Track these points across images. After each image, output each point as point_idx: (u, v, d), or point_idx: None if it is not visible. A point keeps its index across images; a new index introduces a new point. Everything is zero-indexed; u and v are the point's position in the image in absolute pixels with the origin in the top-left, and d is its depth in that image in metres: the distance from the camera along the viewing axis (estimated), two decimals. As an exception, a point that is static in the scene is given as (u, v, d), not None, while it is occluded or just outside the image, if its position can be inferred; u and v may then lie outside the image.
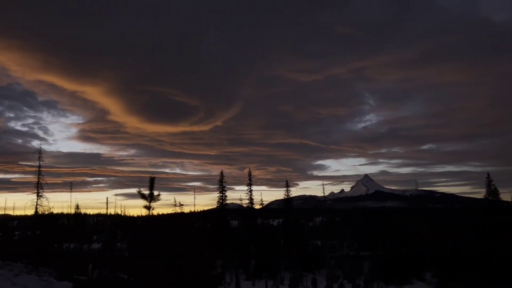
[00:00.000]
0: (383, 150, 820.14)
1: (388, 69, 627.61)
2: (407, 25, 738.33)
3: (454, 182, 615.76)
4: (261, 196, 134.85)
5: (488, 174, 41.91)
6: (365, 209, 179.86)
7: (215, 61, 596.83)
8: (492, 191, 41.41)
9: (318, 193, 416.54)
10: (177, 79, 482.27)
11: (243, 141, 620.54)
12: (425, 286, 32.74)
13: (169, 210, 49.35)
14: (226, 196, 47.38)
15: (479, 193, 43.05)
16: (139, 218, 63.47)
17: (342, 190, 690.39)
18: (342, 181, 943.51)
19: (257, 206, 51.42)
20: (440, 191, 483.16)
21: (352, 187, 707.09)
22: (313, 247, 55.90)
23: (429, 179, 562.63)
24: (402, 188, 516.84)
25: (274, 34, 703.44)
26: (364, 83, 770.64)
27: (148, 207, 8.15)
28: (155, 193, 8.14)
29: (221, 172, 48.02)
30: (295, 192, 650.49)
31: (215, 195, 47.29)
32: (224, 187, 47.42)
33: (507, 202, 48.99)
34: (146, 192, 8.02)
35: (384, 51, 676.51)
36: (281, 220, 68.21)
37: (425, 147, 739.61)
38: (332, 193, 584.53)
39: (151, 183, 8.10)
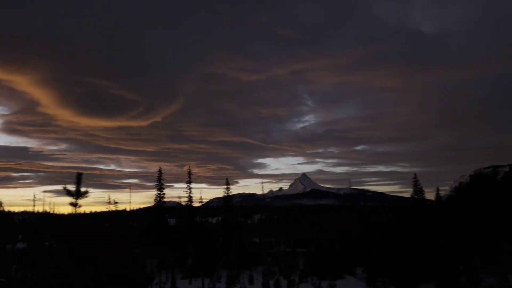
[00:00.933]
0: (320, 150, 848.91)
1: (326, 72, 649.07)
2: (345, 31, 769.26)
3: (384, 181, 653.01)
4: (200, 194, 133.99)
5: (415, 174, 44.60)
6: (301, 207, 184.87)
7: (156, 55, 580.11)
8: (418, 191, 44.16)
9: (258, 191, 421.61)
10: (116, 71, 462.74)
11: (183, 138, 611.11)
12: (356, 281, 34.28)
13: (103, 208, 47.33)
14: (164, 194, 46.38)
15: (407, 192, 45.79)
16: (70, 216, 60.16)
17: (281, 188, 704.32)
18: (281, 179, 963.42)
19: (196, 204, 50.95)
20: (372, 190, 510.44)
21: (290, 185, 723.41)
22: (251, 244, 56.44)
23: (361, 178, 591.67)
24: (336, 186, 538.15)
25: (218, 32, 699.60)
26: (304, 85, 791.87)
27: (74, 205, 7.70)
28: (83, 189, 7.71)
29: (160, 169, 46.93)
30: (235, 190, 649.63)
31: (153, 193, 46.03)
32: (162, 184, 46.40)
33: (431, 200, 52.78)
34: (73, 188, 7.58)
35: (323, 55, 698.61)
36: (220, 218, 68.12)
37: (358, 148, 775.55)
38: (271, 191, 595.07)
39: (78, 179, 7.65)
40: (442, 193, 70.39)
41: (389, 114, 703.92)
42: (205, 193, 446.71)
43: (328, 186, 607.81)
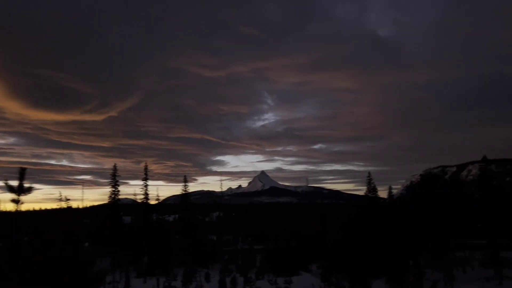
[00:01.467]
0: (279, 148, 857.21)
1: (286, 71, 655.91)
2: (305, 31, 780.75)
3: (340, 179, 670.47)
4: (157, 191, 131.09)
5: (369, 173, 46.00)
6: (260, 205, 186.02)
7: (113, 47, 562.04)
8: (372, 189, 45.53)
9: (217, 188, 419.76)
10: (69, 63, 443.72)
11: (140, 133, 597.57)
12: (311, 277, 34.92)
13: (53, 205, 45.36)
14: (119, 191, 45.10)
15: (362, 190, 47.12)
16: (15, 213, 57.13)
17: (240, 185, 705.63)
18: (240, 177, 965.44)
19: (153, 202, 49.90)
20: (328, 188, 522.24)
21: (249, 183, 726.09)
22: (208, 242, 56.14)
23: (318, 177, 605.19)
24: (295, 184, 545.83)
25: (179, 27, 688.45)
26: (264, 83, 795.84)
27: (16, 201, 7.28)
28: (26, 185, 7.30)
29: (115, 165, 45.58)
30: (193, 187, 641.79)
31: (107, 190, 44.59)
32: (117, 181, 45.10)
33: (383, 199, 54.59)
34: (16, 184, 7.15)
35: (284, 54, 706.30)
36: (177, 215, 67.22)
37: (316, 146, 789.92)
38: (230, 189, 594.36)
39: (21, 174, 7.24)
40: (394, 191, 73.00)
41: (346, 114, 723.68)
42: (162, 190, 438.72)
43: (287, 184, 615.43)
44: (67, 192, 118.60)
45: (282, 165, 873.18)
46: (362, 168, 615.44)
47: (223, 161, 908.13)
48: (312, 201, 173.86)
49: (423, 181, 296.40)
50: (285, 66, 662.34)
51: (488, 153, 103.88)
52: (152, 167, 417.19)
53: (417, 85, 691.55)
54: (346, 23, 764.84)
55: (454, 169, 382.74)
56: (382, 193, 69.96)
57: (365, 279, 27.53)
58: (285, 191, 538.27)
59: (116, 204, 45.06)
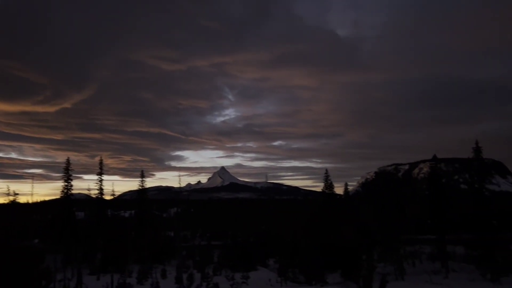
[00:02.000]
0: (239, 144, 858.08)
1: (247, 67, 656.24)
2: (267, 27, 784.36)
3: (299, 176, 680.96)
4: (113, 186, 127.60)
5: (326, 170, 47.02)
6: (219, 200, 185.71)
7: (68, 36, 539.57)
8: (329, 185, 46.59)
9: (175, 184, 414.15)
10: (20, 51, 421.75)
11: (95, 126, 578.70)
12: (268, 272, 35.28)
13: (1, 200, 43.09)
14: (72, 186, 43.45)
15: (319, 186, 48.14)
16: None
17: (199, 181, 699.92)
18: (200, 173, 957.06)
19: (108, 197, 48.47)
20: (287, 184, 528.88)
21: (208, 179, 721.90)
22: (165, 238, 55.37)
23: (277, 173, 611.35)
24: (254, 180, 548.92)
25: (138, 18, 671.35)
26: (225, 78, 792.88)
27: (-45, 195, 6.81)
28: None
29: (68, 159, 43.87)
30: (151, 182, 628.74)
31: (60, 184, 42.80)
32: (70, 175, 43.43)
33: (339, 195, 55.98)
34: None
35: (245, 49, 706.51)
36: (133, 211, 65.76)
37: (275, 143, 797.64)
38: (189, 184, 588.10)
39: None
40: (350, 188, 75.07)
41: (305, 111, 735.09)
42: (118, 185, 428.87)
43: (246, 180, 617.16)
44: (16, 186, 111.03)
45: (242, 161, 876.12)
46: (320, 165, 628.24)
47: (182, 156, 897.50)
48: (271, 197, 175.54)
49: (377, 178, 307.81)
50: (246, 62, 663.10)
51: (438, 152, 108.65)
52: (108, 161, 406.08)
53: (373, 85, 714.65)
54: (307, 21, 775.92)
55: (406, 167, 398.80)
56: (339, 190, 71.89)
57: (321, 273, 28.18)
58: (244, 187, 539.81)
59: (68, 199, 43.43)
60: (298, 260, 30.68)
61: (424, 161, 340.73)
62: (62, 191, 42.84)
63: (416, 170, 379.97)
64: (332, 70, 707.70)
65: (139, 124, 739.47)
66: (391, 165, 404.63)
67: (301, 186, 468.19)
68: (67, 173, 43.12)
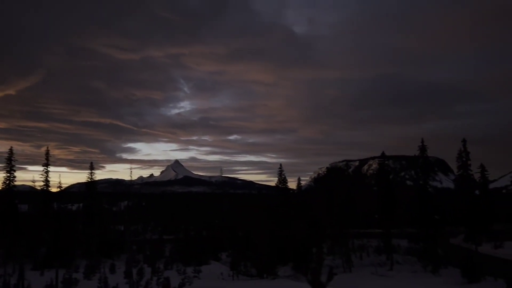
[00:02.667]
0: (194, 138, 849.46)
1: (203, 59, 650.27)
2: (223, 21, 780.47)
3: (254, 170, 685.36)
4: (60, 178, 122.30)
5: (280, 165, 47.85)
6: (172, 194, 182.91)
7: (13, 19, 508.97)
8: (282, 180, 47.39)
9: (126, 177, 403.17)
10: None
11: (42, 115, 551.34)
12: (220, 266, 35.34)
13: None
14: (15, 177, 41.28)
15: (273, 181, 48.95)
16: None
17: (152, 174, 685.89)
18: (152, 166, 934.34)
19: (54, 189, 46.43)
20: (242, 178, 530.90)
21: (162, 172, 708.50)
22: (115, 232, 53.95)
23: (232, 167, 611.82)
24: (209, 174, 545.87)
25: (91, 3, 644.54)
26: (181, 70, 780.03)
27: None
28: None
29: (11, 149, 41.58)
30: (100, 175, 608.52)
31: (1, 175, 40.54)
32: (13, 166, 41.24)
33: (293, 189, 57.07)
34: None
35: (201, 41, 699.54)
36: (81, 204, 63.48)
37: (231, 137, 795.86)
38: (141, 177, 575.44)
39: None
40: (303, 183, 76.69)
41: (261, 106, 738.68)
42: (65, 177, 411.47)
43: (201, 173, 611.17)
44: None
45: (196, 155, 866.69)
46: (274, 160, 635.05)
47: (134, 148, 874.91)
48: (226, 191, 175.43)
49: (329, 174, 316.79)
50: (203, 54, 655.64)
51: (387, 150, 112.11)
52: (55, 152, 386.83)
53: (326, 82, 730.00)
54: (264, 17, 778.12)
55: (357, 163, 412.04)
56: (292, 184, 73.22)
57: (273, 266, 28.63)
58: (199, 180, 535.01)
59: (11, 191, 41.26)
60: (250, 253, 30.97)
61: (373, 158, 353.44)
62: (4, 182, 40.66)
63: (365, 167, 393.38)
64: (288, 66, 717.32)
65: (90, 114, 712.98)
66: (342, 161, 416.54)
67: (256, 181, 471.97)
68: (10, 163, 40.94)
